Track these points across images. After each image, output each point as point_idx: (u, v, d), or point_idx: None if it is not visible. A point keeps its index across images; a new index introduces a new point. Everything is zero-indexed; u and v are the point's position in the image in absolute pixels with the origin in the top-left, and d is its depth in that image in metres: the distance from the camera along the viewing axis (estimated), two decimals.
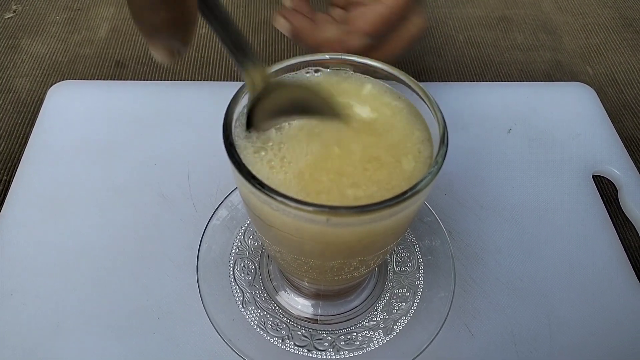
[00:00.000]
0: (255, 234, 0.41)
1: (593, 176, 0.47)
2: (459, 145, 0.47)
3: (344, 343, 0.36)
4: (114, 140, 0.46)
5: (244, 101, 0.28)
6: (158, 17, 0.22)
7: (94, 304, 0.37)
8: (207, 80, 0.56)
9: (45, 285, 0.37)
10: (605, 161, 0.47)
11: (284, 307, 0.37)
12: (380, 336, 0.36)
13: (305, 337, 0.36)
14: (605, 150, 0.48)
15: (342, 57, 0.30)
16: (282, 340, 0.36)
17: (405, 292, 0.38)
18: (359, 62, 0.30)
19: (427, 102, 0.28)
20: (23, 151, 0.45)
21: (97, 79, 0.55)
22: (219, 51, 0.59)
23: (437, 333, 0.36)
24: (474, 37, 0.62)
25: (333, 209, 0.23)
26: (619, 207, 0.46)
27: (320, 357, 0.35)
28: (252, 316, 0.37)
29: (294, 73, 0.30)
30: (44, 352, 0.35)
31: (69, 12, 0.62)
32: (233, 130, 0.27)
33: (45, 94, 0.49)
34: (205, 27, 0.61)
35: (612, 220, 0.44)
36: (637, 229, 0.44)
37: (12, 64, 0.56)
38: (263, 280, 0.39)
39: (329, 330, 0.36)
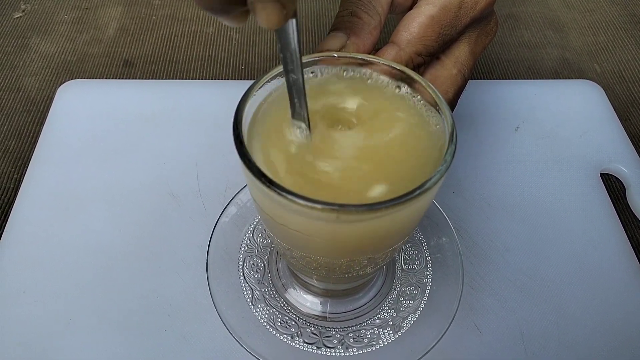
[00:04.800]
0: (264, 231, 0.41)
1: (601, 174, 0.46)
2: (466, 143, 0.47)
3: (352, 340, 0.36)
4: (123, 139, 0.46)
5: (253, 100, 0.28)
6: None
7: (104, 302, 0.37)
8: (216, 79, 0.56)
9: (56, 283, 0.38)
10: (613, 159, 0.47)
11: (293, 304, 0.38)
12: (389, 333, 0.36)
13: (314, 334, 0.36)
14: (612, 148, 0.48)
15: (350, 55, 0.30)
16: (292, 338, 0.36)
17: (413, 290, 0.38)
18: (365, 60, 0.30)
19: (435, 99, 0.28)
20: (33, 150, 0.45)
21: (105, 78, 0.56)
22: (227, 50, 0.59)
23: (446, 331, 0.36)
24: None
25: (342, 207, 0.23)
26: (627, 205, 0.46)
27: (329, 354, 0.35)
28: (262, 313, 0.37)
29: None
30: (54, 349, 0.35)
31: (77, 11, 0.63)
32: (243, 128, 0.27)
33: (54, 92, 0.50)
34: (213, 25, 0.62)
35: (620, 218, 0.43)
36: None
37: (21, 63, 0.57)
38: (272, 277, 0.39)
39: (337, 328, 0.37)
